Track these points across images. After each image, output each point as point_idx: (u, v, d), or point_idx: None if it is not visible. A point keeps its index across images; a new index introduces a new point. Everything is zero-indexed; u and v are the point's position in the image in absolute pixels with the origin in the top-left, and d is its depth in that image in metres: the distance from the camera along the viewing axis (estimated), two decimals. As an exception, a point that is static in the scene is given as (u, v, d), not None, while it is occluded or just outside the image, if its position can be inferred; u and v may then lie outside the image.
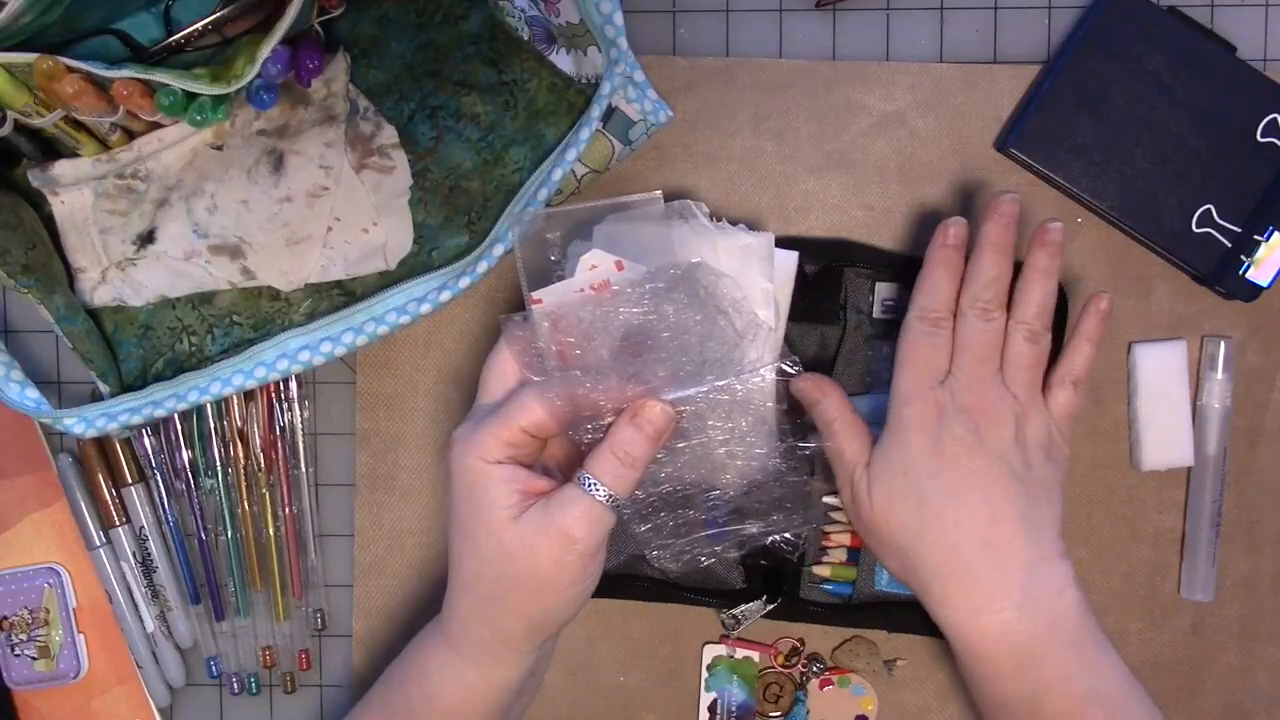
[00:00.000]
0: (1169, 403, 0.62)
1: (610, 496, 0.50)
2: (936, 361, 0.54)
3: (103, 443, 0.66)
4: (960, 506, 0.53)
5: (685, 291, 0.51)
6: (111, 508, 0.66)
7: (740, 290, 0.53)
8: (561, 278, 0.52)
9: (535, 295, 0.51)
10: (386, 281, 0.60)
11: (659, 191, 0.55)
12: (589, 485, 0.50)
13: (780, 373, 0.55)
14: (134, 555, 0.66)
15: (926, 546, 0.53)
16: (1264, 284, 0.61)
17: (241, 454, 0.65)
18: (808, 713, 0.65)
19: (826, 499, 0.63)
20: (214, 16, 0.56)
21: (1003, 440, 0.53)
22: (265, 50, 0.54)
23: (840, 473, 0.56)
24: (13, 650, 0.65)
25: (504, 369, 0.53)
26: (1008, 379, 0.54)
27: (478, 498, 0.50)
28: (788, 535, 0.55)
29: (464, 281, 0.57)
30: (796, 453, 0.55)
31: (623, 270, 0.51)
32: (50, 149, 0.59)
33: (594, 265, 0.51)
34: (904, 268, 0.61)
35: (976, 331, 0.54)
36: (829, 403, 0.56)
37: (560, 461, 0.54)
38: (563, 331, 0.51)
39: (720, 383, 0.51)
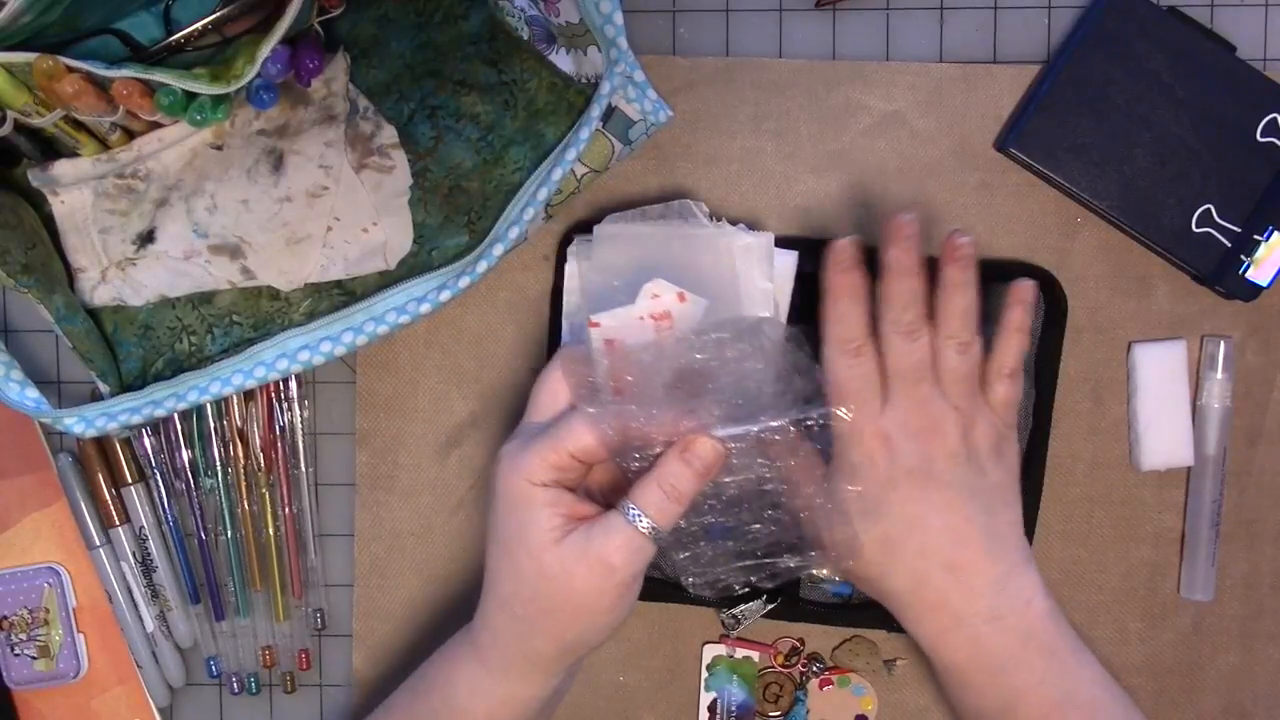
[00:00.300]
0: (1169, 403, 0.62)
1: (652, 528, 0.50)
2: (868, 389, 0.54)
3: (103, 443, 0.66)
4: (923, 538, 0.53)
5: (750, 343, 0.51)
6: (111, 508, 0.66)
7: (804, 342, 0.53)
8: (620, 302, 0.52)
9: (594, 319, 0.51)
10: (386, 281, 0.60)
11: (729, 225, 0.55)
12: (632, 515, 0.50)
13: (834, 418, 0.54)
14: (134, 555, 0.66)
15: (894, 578, 0.54)
16: (1264, 284, 0.61)
17: (241, 454, 0.65)
18: (808, 713, 0.65)
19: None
20: (214, 16, 0.56)
21: (953, 457, 0.53)
22: (265, 50, 0.54)
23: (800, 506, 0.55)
24: (13, 650, 0.65)
25: (555, 390, 0.53)
26: (946, 392, 0.54)
27: (520, 518, 0.50)
28: (824, 571, 0.55)
29: (464, 281, 0.57)
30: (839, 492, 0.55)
31: (684, 302, 0.51)
32: (50, 149, 0.59)
33: (656, 294, 0.51)
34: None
35: (904, 355, 0.53)
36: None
37: (604, 487, 0.54)
38: (620, 366, 0.51)
39: (774, 424, 0.51)
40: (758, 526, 0.53)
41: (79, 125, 0.57)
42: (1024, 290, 0.56)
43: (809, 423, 0.52)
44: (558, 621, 0.51)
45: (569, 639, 0.51)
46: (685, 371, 0.51)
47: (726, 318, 0.52)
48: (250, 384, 0.58)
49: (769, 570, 0.54)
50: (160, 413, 0.58)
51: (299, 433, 0.65)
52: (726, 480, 0.52)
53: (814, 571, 0.55)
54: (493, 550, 0.52)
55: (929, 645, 0.54)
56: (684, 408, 0.50)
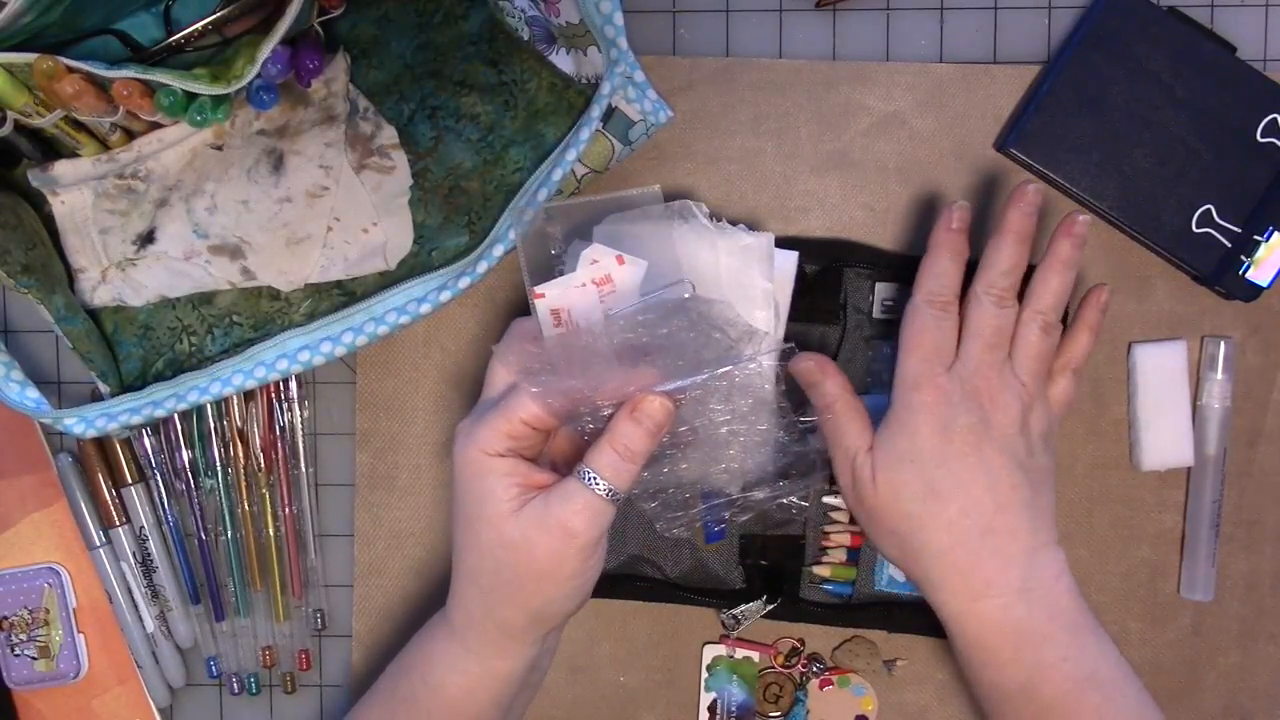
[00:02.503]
0: (1169, 403, 0.62)
1: (610, 490, 0.50)
2: (944, 346, 0.54)
3: (103, 443, 0.66)
4: (967, 495, 0.53)
5: (679, 319, 0.51)
6: (111, 508, 0.66)
7: (733, 310, 0.53)
8: (563, 272, 0.52)
9: (538, 290, 0.51)
10: (386, 281, 0.60)
11: (657, 186, 0.55)
12: (589, 479, 0.50)
13: (781, 355, 0.54)
14: (134, 555, 0.66)
15: (930, 533, 0.53)
16: (1264, 284, 0.61)
17: (241, 454, 0.65)
18: (808, 713, 0.65)
19: (825, 499, 0.63)
20: (214, 16, 0.56)
21: (1009, 428, 0.53)
22: (265, 50, 0.54)
23: (839, 456, 0.56)
24: (13, 650, 0.65)
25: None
26: (1017, 367, 0.54)
27: (478, 490, 0.51)
28: (794, 499, 0.56)
29: (464, 281, 0.57)
30: (798, 426, 0.55)
31: (623, 265, 0.51)
32: (50, 149, 0.59)
33: (595, 260, 0.51)
34: (904, 268, 0.61)
35: (990, 317, 0.54)
36: (830, 384, 0.56)
37: (566, 455, 0.54)
38: (557, 351, 0.51)
39: (719, 370, 0.51)
40: (721, 467, 0.53)
41: (79, 125, 0.57)
42: (1103, 292, 0.57)
43: (750, 366, 0.52)
44: (523, 590, 0.51)
45: (536, 607, 0.51)
46: (622, 349, 0.51)
47: (650, 301, 0.52)
48: (250, 384, 0.58)
49: (740, 505, 0.54)
50: (160, 413, 0.58)
51: (299, 433, 0.65)
52: (682, 429, 0.52)
53: (785, 500, 0.55)
54: (456, 526, 0.53)
55: (953, 615, 0.54)
56: (626, 374, 0.51)
